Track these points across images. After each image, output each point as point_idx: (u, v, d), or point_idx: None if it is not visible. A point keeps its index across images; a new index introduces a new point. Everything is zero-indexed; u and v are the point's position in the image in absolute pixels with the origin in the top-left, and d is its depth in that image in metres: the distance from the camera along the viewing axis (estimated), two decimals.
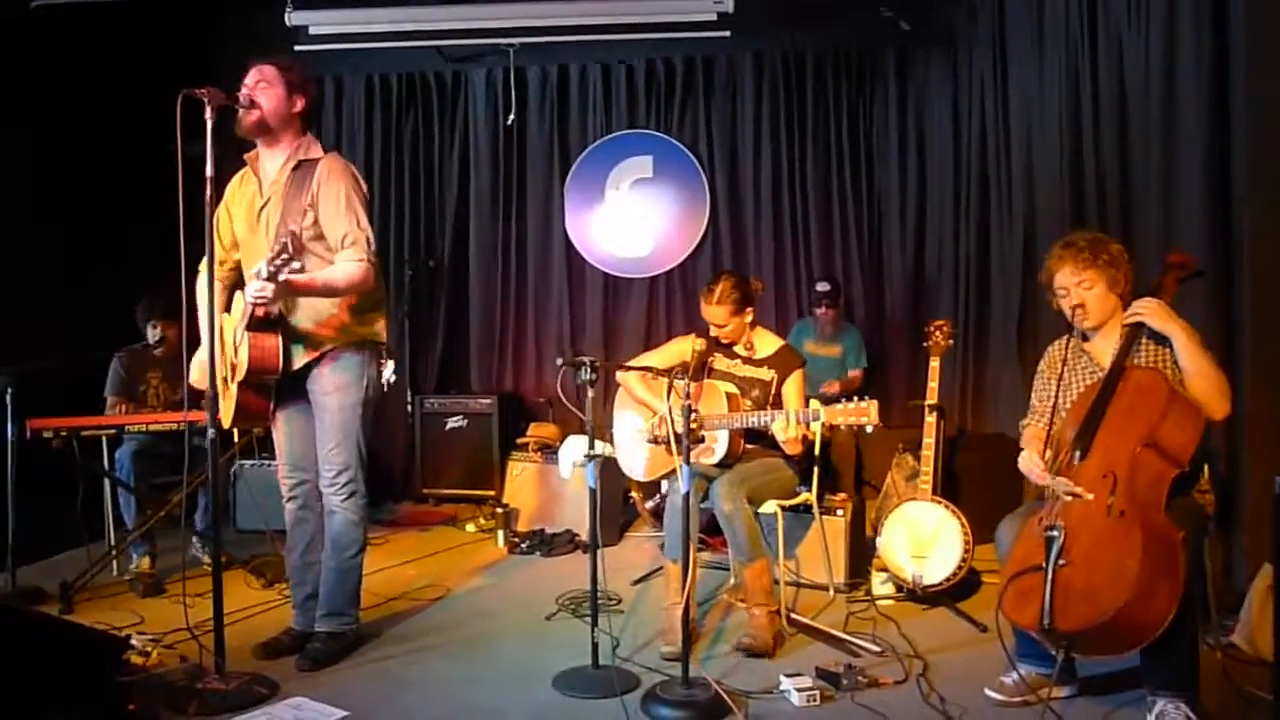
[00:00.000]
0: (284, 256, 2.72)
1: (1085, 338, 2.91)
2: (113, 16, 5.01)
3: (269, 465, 4.88)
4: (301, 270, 2.83)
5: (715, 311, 3.60)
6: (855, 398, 3.15)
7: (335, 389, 3.18)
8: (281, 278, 2.77)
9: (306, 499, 3.31)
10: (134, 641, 3.13)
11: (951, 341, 3.93)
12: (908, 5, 5.71)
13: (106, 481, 4.35)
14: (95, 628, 3.04)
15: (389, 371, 3.39)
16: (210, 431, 2.92)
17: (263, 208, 3.16)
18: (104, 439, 4.27)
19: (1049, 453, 2.76)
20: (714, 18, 5.18)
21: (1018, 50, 5.04)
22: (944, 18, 5.78)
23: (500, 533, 4.94)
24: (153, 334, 4.58)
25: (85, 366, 4.56)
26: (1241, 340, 3.41)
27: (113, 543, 4.37)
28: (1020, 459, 2.81)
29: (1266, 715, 2.55)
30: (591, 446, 3.02)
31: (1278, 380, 3.26)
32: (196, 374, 3.26)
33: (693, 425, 2.94)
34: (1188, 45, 3.62)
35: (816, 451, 3.79)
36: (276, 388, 3.19)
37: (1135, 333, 2.76)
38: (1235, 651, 3.05)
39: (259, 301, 2.87)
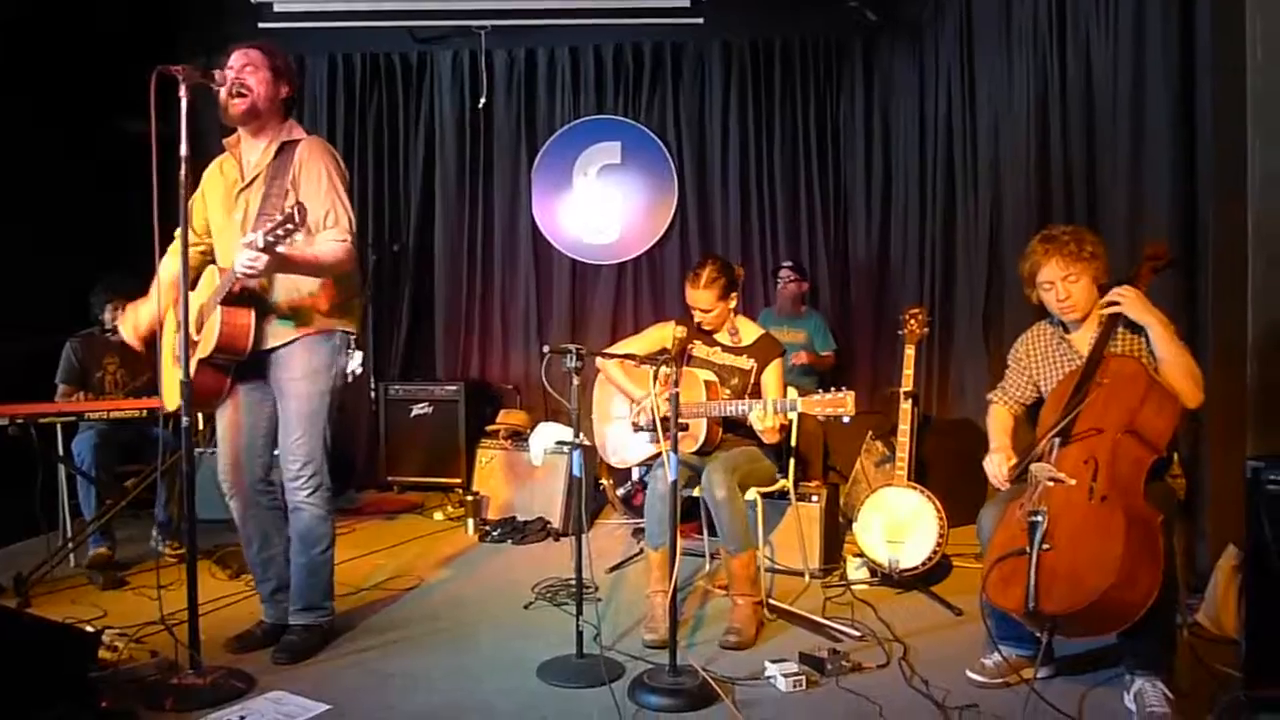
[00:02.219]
0: (287, 227, 2.64)
1: (1065, 327, 2.96)
2: None
3: None
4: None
5: (702, 296, 3.57)
6: (832, 387, 3.17)
7: (305, 375, 3.09)
8: (280, 249, 2.69)
9: (251, 495, 3.19)
10: (104, 636, 3.03)
11: (927, 329, 3.98)
12: None
13: (62, 470, 4.23)
14: (64, 623, 2.95)
15: (355, 362, 3.30)
16: (185, 420, 2.83)
17: (242, 190, 3.09)
18: (59, 427, 4.14)
19: (1009, 464, 2.87)
20: (688, 4, 5.16)
21: (984, 43, 5.10)
22: (910, 10, 5.83)
23: (470, 521, 4.91)
24: (112, 315, 4.43)
25: (40, 351, 4.43)
26: (1204, 328, 3.50)
27: (69, 534, 4.24)
28: (987, 460, 2.94)
29: (1235, 691, 2.63)
30: (577, 434, 3.00)
31: (1238, 367, 3.34)
32: (128, 331, 3.17)
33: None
34: (1155, 39, 3.69)
35: (794, 440, 3.81)
36: (235, 371, 3.09)
37: (1113, 322, 2.81)
38: (1199, 630, 3.14)
39: (249, 271, 2.76)
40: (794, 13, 5.96)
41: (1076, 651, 2.92)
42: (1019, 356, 3.08)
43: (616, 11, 5.39)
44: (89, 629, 3.10)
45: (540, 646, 3.16)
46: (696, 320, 3.63)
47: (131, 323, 3.21)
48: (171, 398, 3.09)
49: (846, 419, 3.14)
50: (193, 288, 3.16)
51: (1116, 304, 2.79)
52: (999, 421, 3.11)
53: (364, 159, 6.24)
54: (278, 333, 3.06)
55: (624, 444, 3.72)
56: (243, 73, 2.98)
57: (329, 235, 3.00)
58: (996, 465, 2.91)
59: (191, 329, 3.07)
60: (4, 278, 4.60)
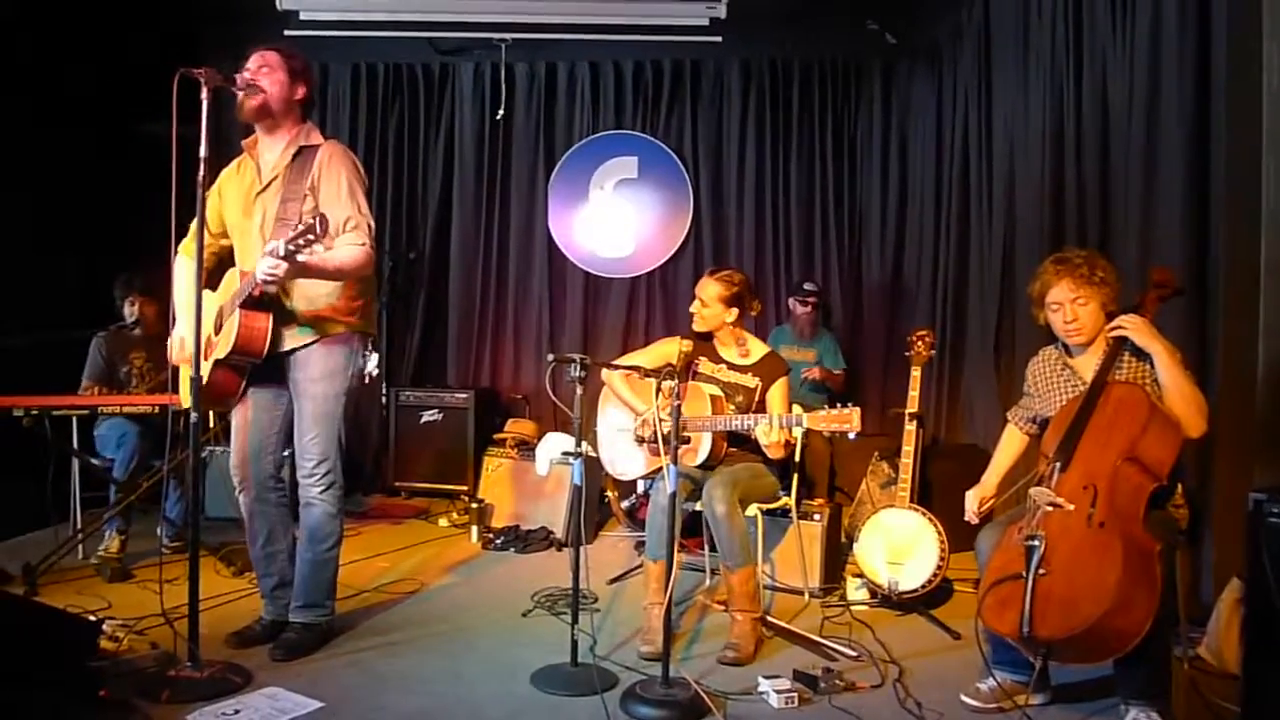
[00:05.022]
0: (308, 237, 2.69)
1: (1070, 352, 2.96)
2: None
3: None
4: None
5: (709, 286, 3.65)
6: (838, 404, 3.19)
7: (322, 376, 3.15)
8: (300, 258, 2.74)
9: (260, 489, 3.24)
10: (105, 626, 3.07)
11: (933, 351, 3.98)
12: (894, 19, 5.78)
13: (75, 463, 4.28)
14: (67, 611, 2.99)
15: (372, 363, 3.36)
16: (194, 415, 2.88)
17: (260, 193, 3.14)
18: (74, 419, 4.20)
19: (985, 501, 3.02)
20: (706, 22, 5.20)
21: (1002, 67, 5.11)
22: (929, 33, 5.86)
23: (474, 528, 4.92)
24: (130, 311, 4.52)
25: (55, 344, 4.49)
26: (1213, 358, 3.48)
27: (79, 525, 4.29)
28: (969, 493, 3.09)
29: None
30: (579, 444, 3.02)
31: (1247, 398, 3.32)
32: (175, 351, 3.20)
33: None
34: (1170, 66, 3.68)
35: (798, 457, 3.81)
36: (250, 371, 3.15)
37: (1118, 348, 2.82)
38: (1201, 663, 3.10)
39: (270, 279, 2.83)
40: (813, 33, 6.00)
41: (1072, 679, 2.90)
42: (1028, 380, 3.09)
43: (637, 28, 5.43)
44: (91, 618, 3.13)
45: (536, 654, 3.16)
46: (691, 311, 3.69)
47: (178, 348, 3.23)
48: (188, 395, 3.13)
49: (852, 435, 3.15)
50: (214, 288, 3.23)
51: (1122, 329, 2.79)
52: (1005, 447, 3.16)
53: (384, 166, 6.31)
54: (296, 336, 3.11)
55: (625, 456, 3.74)
56: (258, 73, 3.05)
57: (349, 239, 3.05)
58: (970, 500, 3.04)
59: (210, 329, 3.13)
60: (16, 274, 4.67)
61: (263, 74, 3.06)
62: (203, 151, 2.81)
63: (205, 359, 3.10)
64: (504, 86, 6.17)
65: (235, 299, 3.01)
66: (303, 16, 5.27)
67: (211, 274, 3.26)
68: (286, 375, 3.18)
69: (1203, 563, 3.45)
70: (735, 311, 3.65)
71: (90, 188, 5.01)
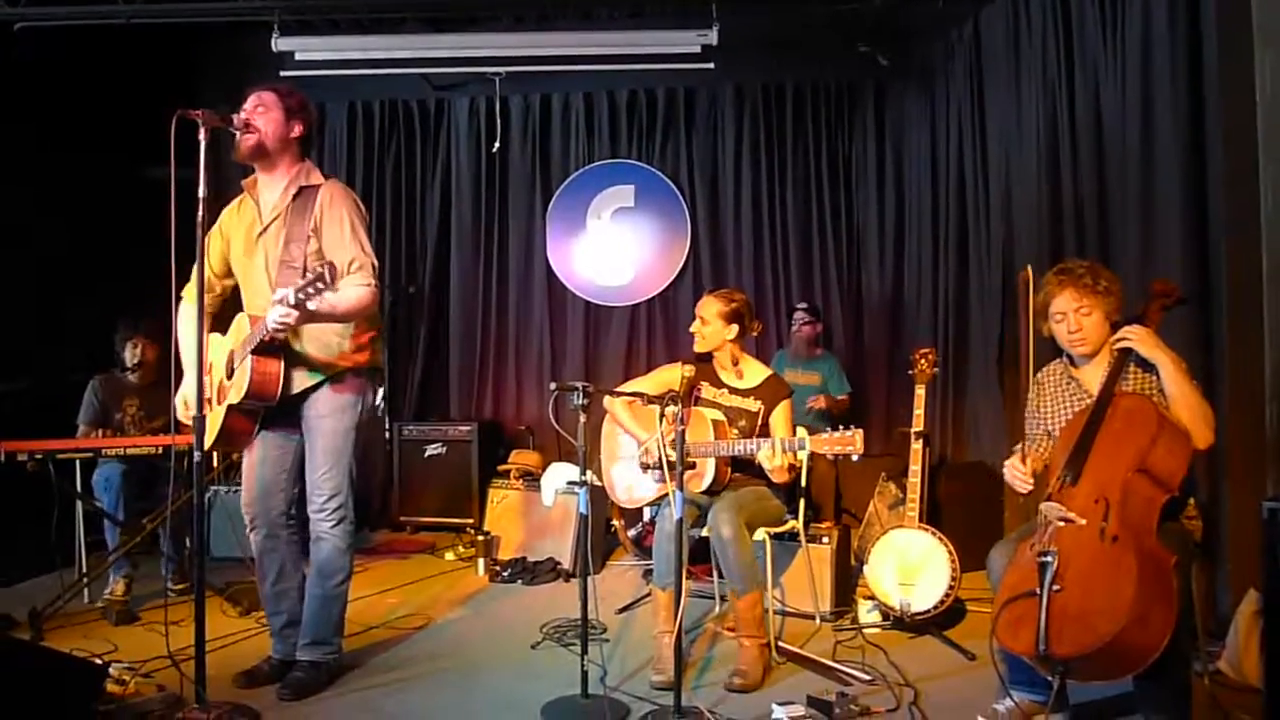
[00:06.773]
0: (318, 285, 2.71)
1: (1074, 364, 2.95)
2: (96, 39, 4.98)
3: None
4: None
5: (709, 304, 3.66)
6: (840, 426, 3.17)
7: (331, 413, 3.15)
8: (311, 305, 2.76)
9: (271, 527, 3.24)
10: (111, 670, 3.04)
11: (936, 370, 3.97)
12: (885, 41, 5.81)
13: (79, 506, 4.26)
14: (72, 654, 2.96)
15: (379, 397, 3.37)
16: (197, 455, 2.86)
17: (261, 234, 3.15)
18: (77, 463, 4.19)
19: (1032, 465, 2.84)
20: (698, 50, 5.22)
21: (994, 84, 5.13)
22: (921, 53, 5.89)
23: (481, 561, 4.89)
24: (132, 354, 4.50)
25: (58, 389, 4.49)
26: (1220, 369, 3.46)
27: (84, 569, 4.26)
28: (1007, 463, 2.88)
29: None
30: (584, 473, 3.00)
31: (1256, 408, 3.30)
32: (181, 410, 3.21)
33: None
34: (1163, 76, 3.71)
35: (804, 480, 3.79)
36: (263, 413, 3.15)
37: (1123, 359, 2.80)
38: (1222, 678, 3.07)
39: (281, 326, 2.84)
40: (805, 57, 6.03)
41: (1092, 697, 2.86)
42: (1031, 399, 3.05)
43: (629, 58, 5.46)
44: (97, 662, 3.10)
45: (546, 686, 3.13)
46: (691, 330, 3.70)
47: (183, 409, 3.23)
48: (207, 438, 3.11)
49: (855, 457, 3.13)
50: (223, 331, 3.23)
51: (1127, 340, 2.78)
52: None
53: (382, 202, 6.34)
54: (306, 378, 3.12)
55: (633, 483, 3.72)
56: (253, 113, 3.07)
57: (354, 280, 3.06)
58: (1011, 464, 2.85)
59: (222, 373, 3.13)
60: (19, 319, 4.68)
61: (258, 114, 3.09)
62: (201, 192, 2.81)
63: (219, 403, 3.11)
64: (499, 120, 6.20)
65: (246, 345, 3.02)
66: (298, 57, 5.30)
67: (216, 315, 3.27)
68: (297, 414, 3.18)
69: (1219, 575, 3.41)
70: (735, 329, 3.64)
71: (87, 231, 5.03)
